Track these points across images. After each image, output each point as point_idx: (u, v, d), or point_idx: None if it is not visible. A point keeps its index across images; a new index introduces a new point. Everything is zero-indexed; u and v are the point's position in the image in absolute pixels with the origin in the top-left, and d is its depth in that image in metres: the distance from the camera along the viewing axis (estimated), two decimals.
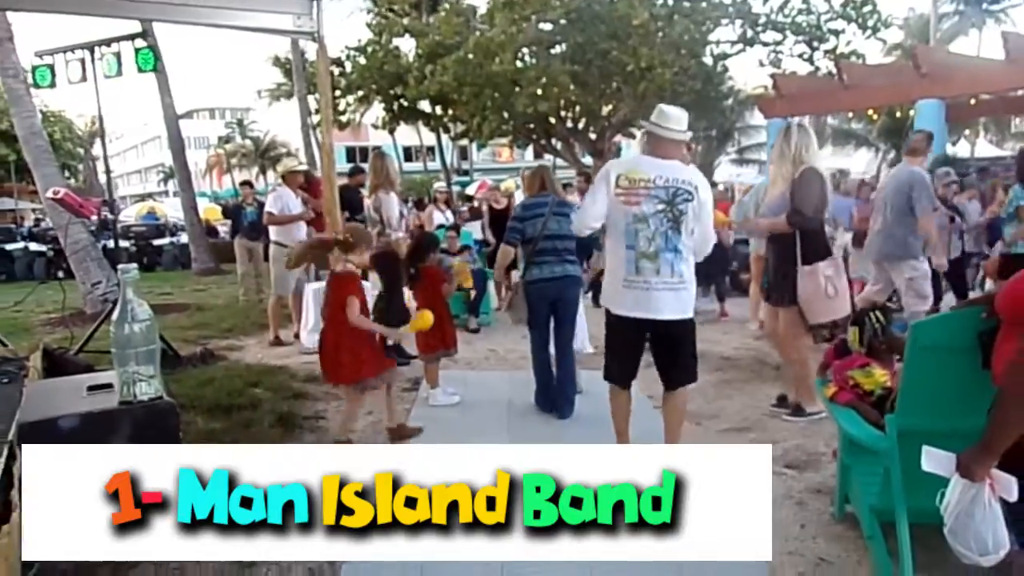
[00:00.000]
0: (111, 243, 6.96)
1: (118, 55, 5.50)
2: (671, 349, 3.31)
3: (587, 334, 4.90)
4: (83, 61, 5.49)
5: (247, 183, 10.83)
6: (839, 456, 2.81)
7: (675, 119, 3.24)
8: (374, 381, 3.79)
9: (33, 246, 16.04)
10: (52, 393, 3.20)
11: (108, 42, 5.53)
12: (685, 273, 3.19)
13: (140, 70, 5.51)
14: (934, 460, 1.91)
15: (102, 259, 8.66)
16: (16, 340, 6.35)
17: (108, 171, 6.16)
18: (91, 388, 3.06)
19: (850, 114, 22.42)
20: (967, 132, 25.41)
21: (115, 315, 2.84)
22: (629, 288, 3.20)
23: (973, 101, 13.66)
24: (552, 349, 4.45)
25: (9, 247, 15.97)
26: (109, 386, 2.99)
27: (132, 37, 5.60)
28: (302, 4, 5.97)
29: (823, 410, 3.97)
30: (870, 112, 17.94)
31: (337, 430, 3.95)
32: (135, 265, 2.94)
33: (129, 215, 27.24)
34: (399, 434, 4.00)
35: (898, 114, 16.15)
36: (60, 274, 9.31)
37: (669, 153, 3.23)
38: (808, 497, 3.13)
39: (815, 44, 15.86)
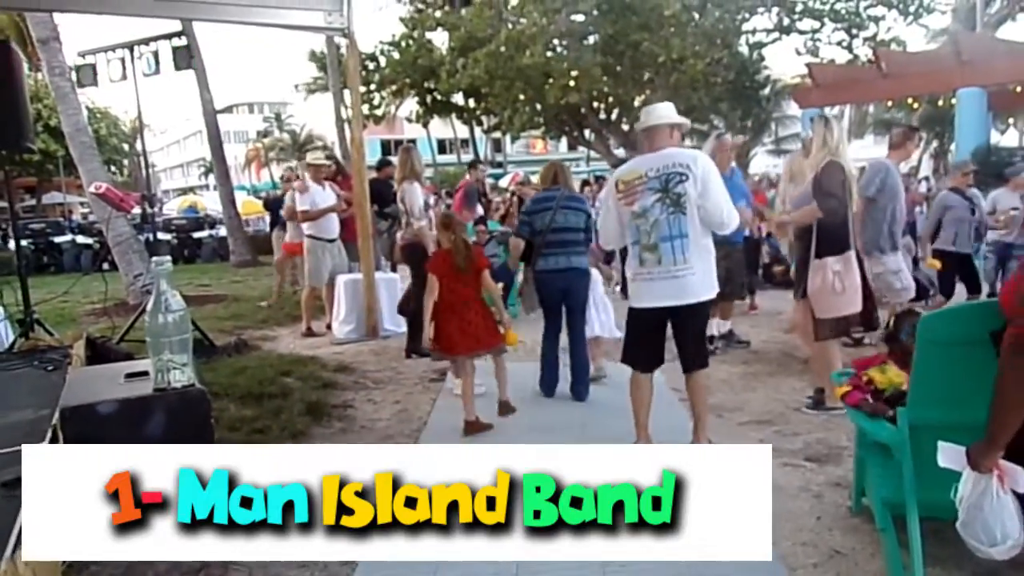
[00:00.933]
0: (156, 234, 7.24)
1: (156, 54, 5.70)
2: (681, 334, 3.41)
3: (613, 321, 4.94)
4: (123, 60, 5.71)
5: (287, 179, 11.02)
6: (855, 449, 2.81)
7: (656, 110, 3.40)
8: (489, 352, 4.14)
9: (80, 239, 16.63)
10: (92, 380, 3.36)
11: (146, 41, 5.73)
12: (692, 259, 3.20)
13: (177, 68, 5.69)
14: (948, 455, 1.94)
15: (143, 251, 8.96)
16: (63, 329, 6.62)
17: (147, 167, 6.40)
18: (128, 375, 3.21)
19: (889, 103, 21.84)
20: (1012, 121, 24.54)
21: (150, 305, 2.97)
22: (636, 281, 3.38)
23: (1019, 89, 13.21)
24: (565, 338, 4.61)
25: (58, 240, 16.58)
26: (145, 374, 3.13)
27: (169, 36, 5.79)
28: (333, 1, 6.10)
29: (840, 405, 4.00)
30: (910, 101, 17.47)
31: (465, 413, 4.01)
32: (169, 258, 3.06)
33: (171, 208, 27.98)
34: (504, 409, 4.23)
35: (940, 102, 15.70)
36: (105, 265, 9.63)
37: (658, 143, 3.33)
38: (827, 490, 3.13)
39: (854, 31, 15.51)
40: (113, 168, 29.04)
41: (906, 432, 2.24)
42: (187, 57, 5.75)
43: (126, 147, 28.41)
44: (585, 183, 12.08)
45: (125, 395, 2.98)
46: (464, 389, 4.03)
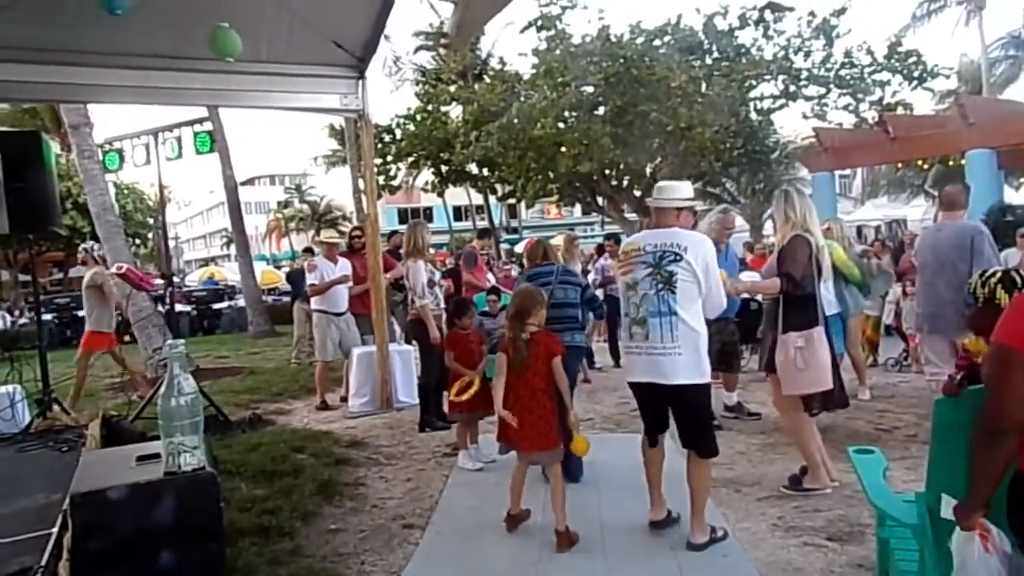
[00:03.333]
0: (175, 307, 7.40)
1: (179, 139, 5.94)
2: (675, 412, 3.38)
3: None
4: (147, 146, 5.94)
5: (309, 250, 11.23)
6: (876, 530, 2.72)
7: (667, 190, 3.48)
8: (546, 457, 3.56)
9: None
10: (105, 463, 3.37)
11: (170, 128, 5.98)
12: (680, 338, 3.18)
13: (198, 152, 5.93)
14: (951, 510, 1.95)
15: (163, 326, 9.10)
16: (82, 404, 6.71)
17: (167, 247, 6.58)
18: (140, 458, 3.22)
19: (899, 164, 21.99)
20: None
21: (162, 389, 3.01)
22: (627, 354, 3.45)
23: None
24: None
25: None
26: (156, 456, 3.14)
27: (192, 123, 6.04)
28: (348, 85, 6.38)
29: (823, 487, 3.92)
30: (919, 162, 17.59)
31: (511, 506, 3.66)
32: (182, 342, 3.12)
33: (193, 279, 28.48)
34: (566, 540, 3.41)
35: (951, 163, 15.79)
36: (127, 339, 9.77)
37: (663, 222, 3.41)
38: (849, 572, 3.02)
39: (860, 96, 15.77)
40: (138, 241, 29.79)
41: (926, 515, 2.17)
42: (209, 143, 5.98)
43: (151, 221, 29.15)
44: (600, 248, 12.16)
45: (135, 479, 2.98)
46: (515, 479, 3.64)
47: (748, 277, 4.54)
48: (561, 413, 3.52)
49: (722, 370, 5.59)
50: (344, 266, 7.01)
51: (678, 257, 3.23)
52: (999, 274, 2.36)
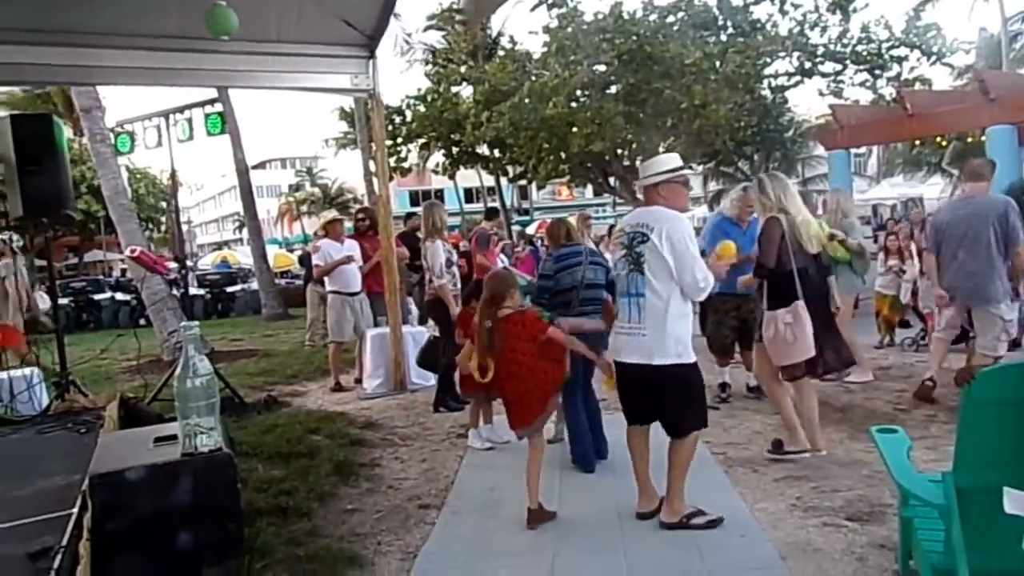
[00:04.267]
0: (188, 291, 7.41)
1: (190, 121, 5.92)
2: (645, 393, 3.32)
3: None
4: (158, 127, 5.93)
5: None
6: (899, 510, 2.69)
7: (646, 168, 3.43)
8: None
9: (119, 296, 17.09)
10: (123, 444, 3.40)
11: (181, 109, 5.96)
12: (646, 320, 3.21)
13: (209, 133, 5.90)
14: (1016, 503, 1.87)
15: (178, 309, 9.15)
16: (99, 387, 6.76)
17: (179, 231, 6.58)
18: (157, 440, 3.23)
19: (916, 142, 21.65)
20: None
21: (178, 370, 3.01)
22: (612, 332, 3.53)
23: None
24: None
25: (97, 297, 17.05)
26: (174, 437, 3.15)
27: (203, 104, 6.02)
28: (359, 65, 6.32)
29: (802, 450, 4.14)
30: (938, 139, 17.28)
31: (529, 500, 3.51)
32: (196, 323, 3.11)
33: (206, 263, 28.67)
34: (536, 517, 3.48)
35: (969, 139, 15.50)
36: (143, 322, 9.86)
37: (647, 200, 3.41)
38: (871, 552, 2.98)
39: (877, 72, 15.47)
40: (151, 225, 29.97)
41: (953, 495, 2.13)
42: (220, 124, 5.95)
43: (164, 205, 29.31)
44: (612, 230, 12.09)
45: (153, 461, 3.00)
46: (530, 470, 3.50)
47: None
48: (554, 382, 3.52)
49: (743, 348, 5.54)
50: (351, 246, 6.98)
51: (645, 238, 3.23)
52: None
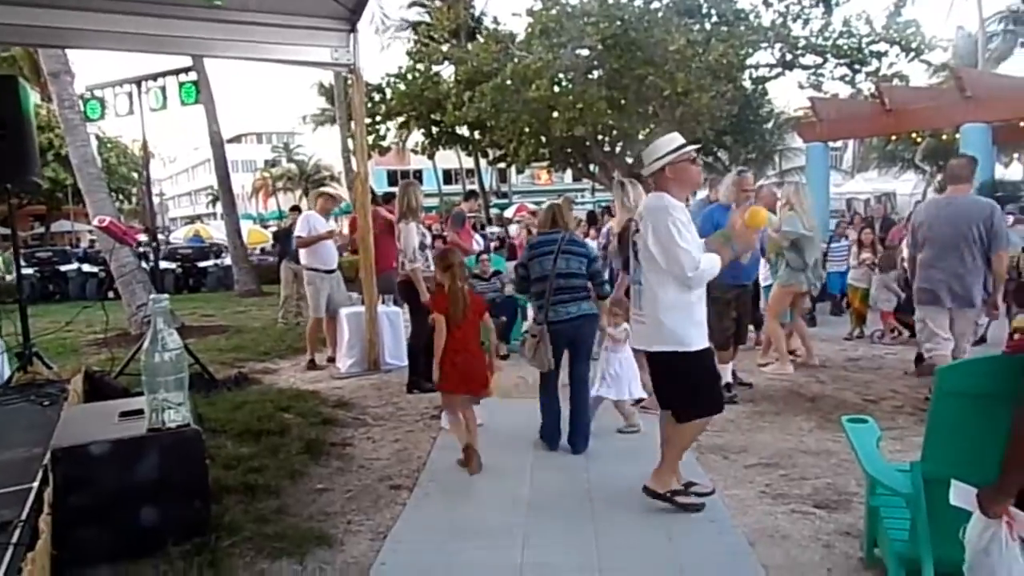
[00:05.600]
0: (159, 264, 7.24)
1: (163, 89, 5.75)
2: (654, 376, 3.46)
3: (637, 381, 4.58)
4: (130, 95, 5.75)
5: (296, 208, 11.00)
6: (866, 498, 2.73)
7: (647, 154, 3.36)
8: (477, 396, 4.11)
9: (86, 267, 16.71)
10: (87, 418, 3.32)
11: (155, 76, 5.78)
12: (645, 307, 3.25)
13: (183, 103, 5.74)
14: (960, 495, 1.91)
15: (147, 282, 8.96)
16: (64, 360, 6.60)
17: (151, 202, 6.41)
18: (123, 414, 3.17)
19: (892, 136, 21.96)
20: (1017, 155, 24.63)
21: (146, 344, 2.94)
22: None
23: (1022, 124, 13.25)
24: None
25: (64, 268, 16.65)
26: (140, 412, 3.08)
27: (177, 72, 5.84)
28: (339, 38, 6.18)
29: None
30: (913, 135, 17.54)
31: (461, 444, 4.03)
32: (166, 296, 3.04)
33: (178, 237, 28.17)
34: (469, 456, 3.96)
35: (944, 136, 15.75)
36: (111, 295, 9.64)
37: (657, 185, 3.35)
38: (837, 540, 3.03)
39: (857, 67, 15.61)
40: (122, 197, 29.32)
41: (920, 485, 2.16)
42: (194, 94, 5.79)
43: (135, 176, 28.69)
44: (591, 216, 12.08)
45: (118, 435, 2.94)
46: (455, 426, 4.08)
47: None
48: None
49: (735, 341, 5.42)
50: (331, 226, 6.90)
51: (638, 228, 3.31)
52: None
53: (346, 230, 6.94)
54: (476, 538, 3.16)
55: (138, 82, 5.78)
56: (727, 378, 5.23)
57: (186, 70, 6.09)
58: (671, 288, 3.17)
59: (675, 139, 3.31)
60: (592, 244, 6.73)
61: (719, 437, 4.43)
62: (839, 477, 3.70)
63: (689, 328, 3.20)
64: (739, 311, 5.33)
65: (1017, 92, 11.89)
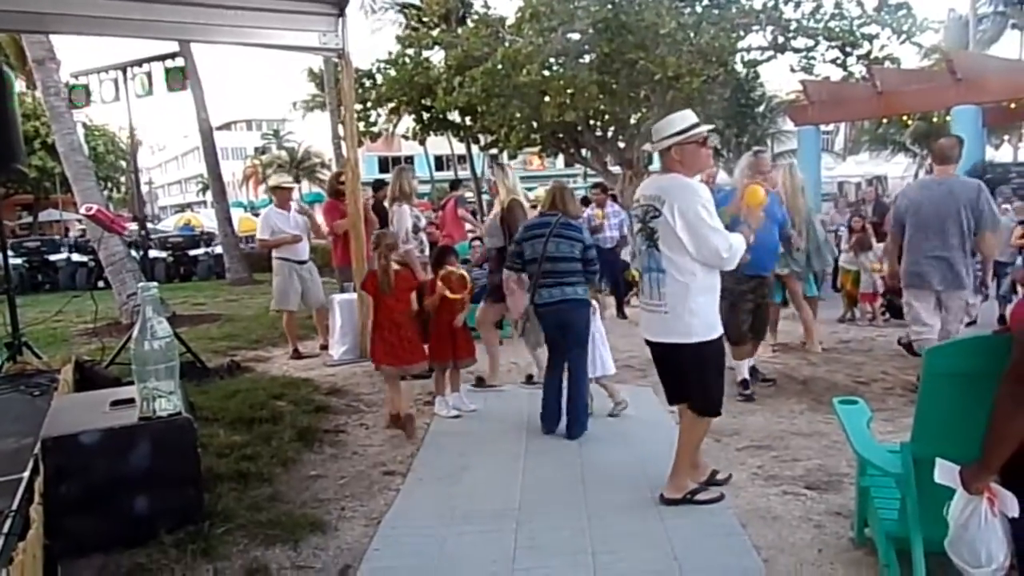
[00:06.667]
0: (149, 253, 7.15)
1: (149, 75, 5.67)
2: (673, 371, 3.22)
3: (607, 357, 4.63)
4: (116, 81, 5.67)
5: None
6: (856, 479, 2.75)
7: (657, 130, 3.14)
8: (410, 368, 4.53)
9: (76, 256, 16.56)
10: (77, 408, 3.30)
11: (140, 62, 5.70)
12: (668, 296, 3.02)
13: (170, 89, 5.67)
14: (944, 473, 1.93)
15: (137, 271, 8.89)
16: (54, 350, 6.57)
17: (138, 187, 6.35)
18: (114, 403, 3.15)
19: (884, 119, 21.97)
20: (1007, 137, 24.70)
21: (135, 333, 2.92)
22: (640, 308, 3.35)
23: (1013, 105, 13.27)
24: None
25: (53, 258, 16.51)
26: (131, 401, 3.06)
27: (163, 58, 5.77)
28: (327, 22, 6.10)
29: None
30: (904, 117, 17.54)
31: (388, 416, 4.52)
32: (155, 284, 3.02)
33: (168, 226, 27.95)
34: (401, 424, 4.39)
35: (934, 119, 15.76)
36: (101, 284, 9.57)
37: (664, 165, 3.16)
38: (828, 520, 3.05)
39: (848, 49, 15.56)
40: (110, 185, 29.06)
41: (910, 465, 2.18)
42: (181, 79, 5.71)
43: (123, 164, 28.42)
44: (585, 200, 12.05)
45: (109, 424, 2.93)
46: (388, 395, 4.59)
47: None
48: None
49: (753, 336, 5.11)
50: (296, 220, 6.74)
51: (657, 212, 3.00)
52: None
53: (321, 219, 6.81)
54: (469, 523, 3.17)
55: (123, 68, 5.69)
56: (743, 374, 4.99)
57: (172, 55, 6.00)
58: (699, 273, 3.00)
59: (687, 117, 3.12)
60: None
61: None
62: (830, 458, 3.72)
63: (715, 314, 3.11)
64: (756, 303, 4.94)
65: (1007, 74, 11.89)
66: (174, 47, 7.24)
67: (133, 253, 9.33)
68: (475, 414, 4.77)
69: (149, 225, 6.86)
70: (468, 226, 9.63)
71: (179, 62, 5.95)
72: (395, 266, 4.50)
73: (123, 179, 31.11)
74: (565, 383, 4.31)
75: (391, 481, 3.68)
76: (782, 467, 3.66)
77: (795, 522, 3.04)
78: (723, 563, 2.76)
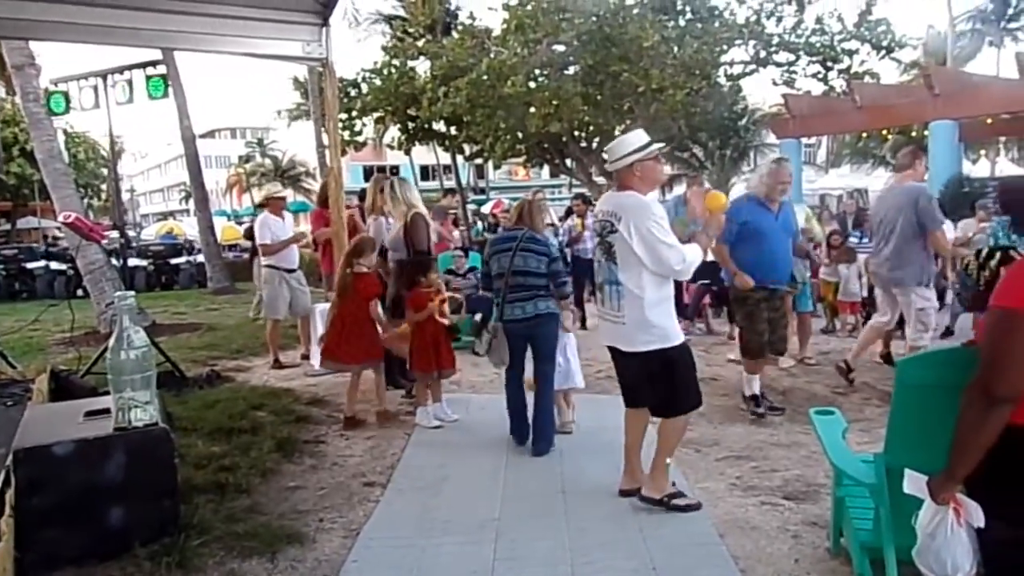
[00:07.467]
0: (129, 262, 7.08)
1: (130, 82, 5.64)
2: (632, 376, 3.37)
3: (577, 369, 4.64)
4: (96, 88, 5.63)
5: (264, 205, 10.82)
6: (833, 489, 2.77)
7: (613, 149, 3.30)
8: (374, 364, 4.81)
9: (54, 265, 16.35)
10: (51, 418, 3.26)
11: (121, 70, 5.66)
12: (625, 308, 3.18)
13: (151, 97, 5.64)
14: (914, 483, 1.95)
15: (116, 279, 8.79)
16: (30, 359, 6.47)
17: (119, 197, 6.30)
18: (88, 413, 3.11)
19: (864, 134, 22.29)
20: (984, 152, 25.14)
21: (111, 342, 2.89)
22: (598, 317, 3.53)
23: (989, 121, 13.52)
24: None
25: (31, 266, 16.30)
26: (106, 411, 3.03)
27: (144, 65, 5.73)
28: (311, 32, 6.10)
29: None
30: (883, 131, 17.82)
31: (346, 410, 4.86)
32: (132, 293, 2.99)
33: (150, 234, 27.72)
34: (384, 418, 4.80)
35: (913, 132, 16.01)
36: (80, 293, 9.46)
37: (621, 182, 3.31)
38: (804, 530, 3.07)
39: (829, 64, 15.80)
40: (91, 192, 28.77)
41: (883, 475, 2.20)
42: (163, 87, 5.67)
43: (104, 171, 28.16)
44: (569, 211, 12.10)
45: (83, 435, 2.89)
46: (348, 391, 4.88)
47: None
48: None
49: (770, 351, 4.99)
50: (291, 227, 6.74)
51: (613, 228, 3.20)
52: (998, 255, 2.38)
53: (307, 228, 6.83)
54: (449, 534, 3.16)
55: (104, 76, 5.66)
56: (753, 389, 4.85)
57: (154, 63, 5.98)
58: (652, 286, 3.17)
59: (642, 136, 3.32)
60: (554, 241, 6.68)
61: (691, 431, 4.43)
62: (808, 469, 3.76)
63: (671, 322, 3.25)
64: (772, 314, 4.82)
65: (984, 90, 12.13)
66: (157, 55, 7.19)
67: (113, 261, 9.23)
68: (456, 424, 4.76)
69: (131, 233, 6.78)
70: (456, 234, 9.67)
71: (161, 70, 5.93)
72: (362, 270, 4.74)
73: (104, 187, 30.82)
74: (530, 398, 4.28)
75: (371, 492, 3.66)
76: (761, 477, 3.69)
77: (773, 532, 3.06)
78: (701, 573, 2.77)
